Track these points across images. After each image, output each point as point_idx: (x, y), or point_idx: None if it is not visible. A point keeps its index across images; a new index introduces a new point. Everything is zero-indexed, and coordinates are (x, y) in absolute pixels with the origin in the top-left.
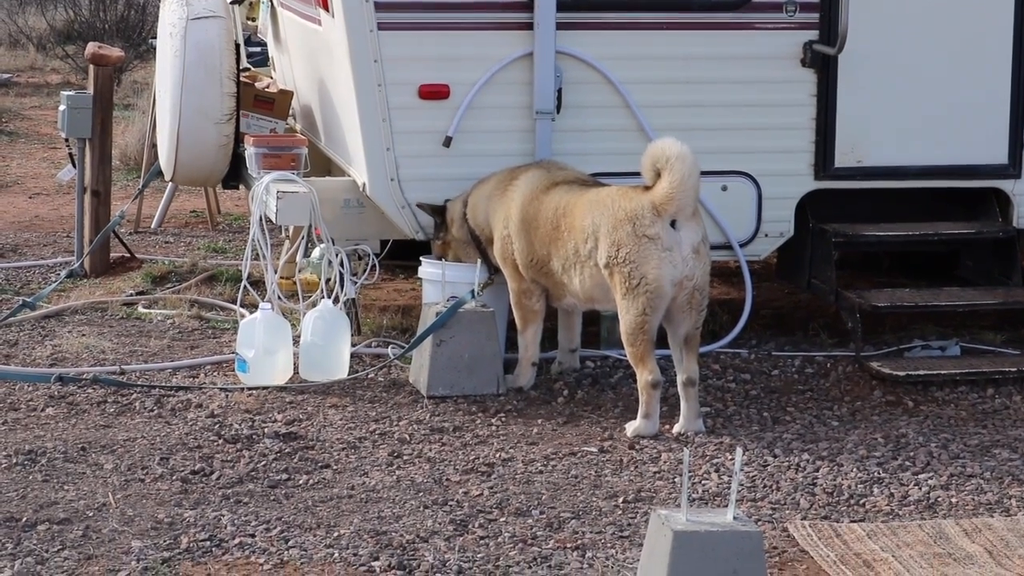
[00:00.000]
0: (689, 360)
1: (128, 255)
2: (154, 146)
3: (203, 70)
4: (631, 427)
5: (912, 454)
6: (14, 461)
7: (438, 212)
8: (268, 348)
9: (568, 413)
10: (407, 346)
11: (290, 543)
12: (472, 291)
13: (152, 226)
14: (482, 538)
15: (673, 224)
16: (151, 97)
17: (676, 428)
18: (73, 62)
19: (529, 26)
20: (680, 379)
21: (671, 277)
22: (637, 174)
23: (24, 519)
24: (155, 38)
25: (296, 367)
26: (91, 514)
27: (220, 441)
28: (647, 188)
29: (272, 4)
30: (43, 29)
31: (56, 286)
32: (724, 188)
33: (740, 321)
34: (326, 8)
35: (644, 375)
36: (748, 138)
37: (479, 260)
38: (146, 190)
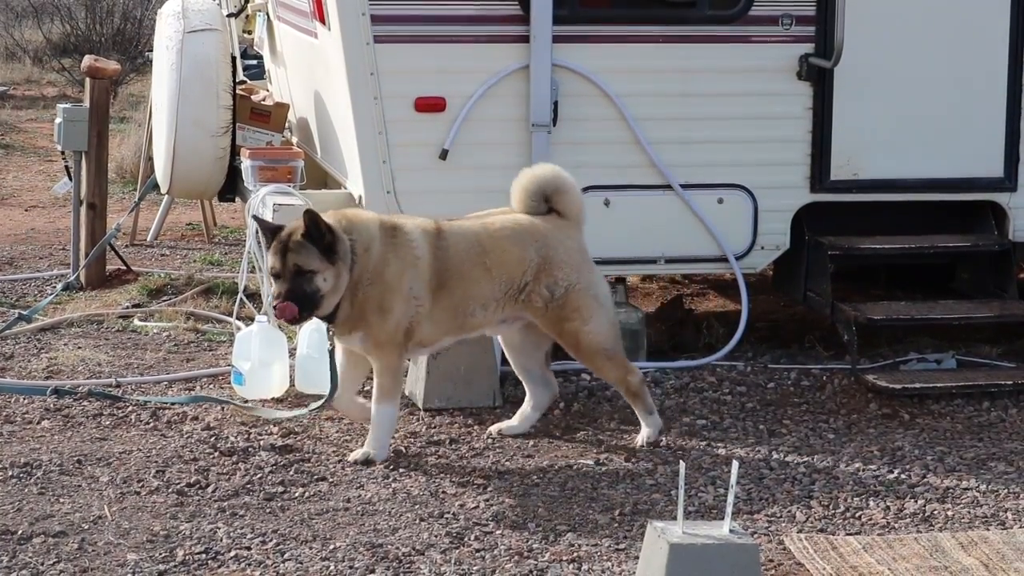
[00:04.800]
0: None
1: (124, 268)
2: (150, 159)
3: (199, 83)
4: (643, 436)
5: (908, 467)
6: (10, 474)
7: (330, 231)
8: (264, 360)
9: (564, 425)
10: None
11: (286, 556)
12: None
13: (148, 239)
14: (478, 551)
15: None
16: (147, 110)
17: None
18: (69, 75)
19: (525, 39)
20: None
21: None
22: (634, 187)
23: (20, 532)
24: (152, 51)
25: (292, 379)
26: (87, 527)
27: (216, 454)
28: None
29: (269, 17)
30: (39, 42)
31: (52, 299)
32: (720, 201)
33: (736, 334)
34: (323, 21)
35: (631, 377)
36: (744, 151)
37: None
38: (142, 203)
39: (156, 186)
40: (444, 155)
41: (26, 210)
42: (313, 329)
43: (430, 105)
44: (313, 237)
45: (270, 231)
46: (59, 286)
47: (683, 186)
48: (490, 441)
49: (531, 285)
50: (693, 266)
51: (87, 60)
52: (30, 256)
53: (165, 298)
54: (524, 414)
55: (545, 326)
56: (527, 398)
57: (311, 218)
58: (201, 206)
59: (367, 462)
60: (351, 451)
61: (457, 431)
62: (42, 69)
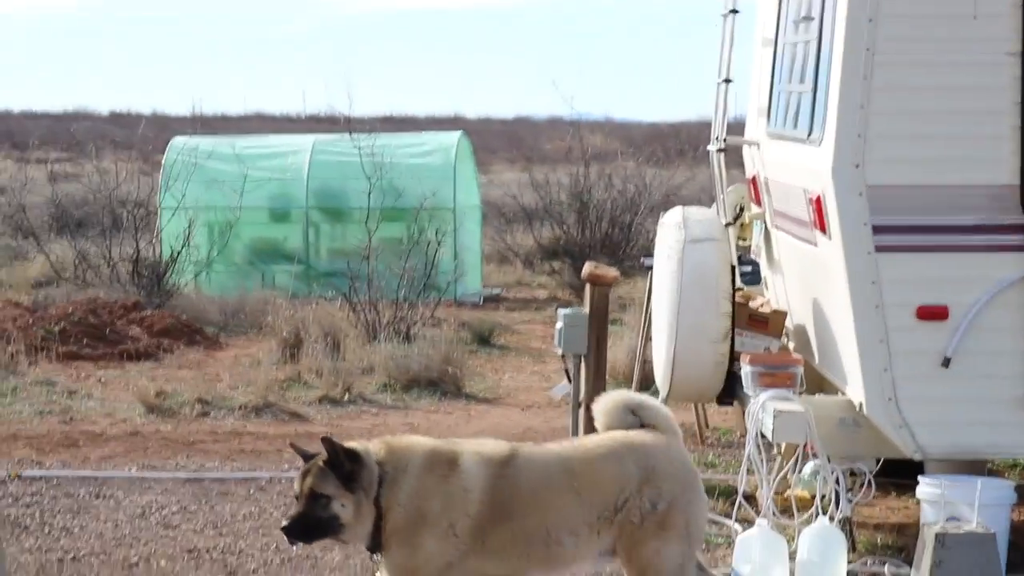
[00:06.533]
0: None
1: None
2: (646, 361)
3: (699, 291)
4: None
5: None
6: None
7: (352, 459)
8: (764, 564)
9: None
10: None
11: None
12: None
13: None
14: None
15: None
16: (642, 313)
17: None
18: (559, 278)
19: None
20: None
21: None
22: None
23: None
24: (649, 257)
25: None
26: None
27: None
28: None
29: (766, 225)
30: (530, 246)
31: None
32: None
33: None
34: (823, 230)
35: None
36: None
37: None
38: None
39: (655, 389)
40: (947, 363)
41: (522, 409)
42: (814, 534)
43: (933, 313)
44: (333, 464)
45: (304, 457)
46: None
47: None
48: None
49: (631, 500)
50: None
51: (588, 267)
52: None
53: None
54: None
55: (626, 545)
56: None
57: (330, 446)
58: (695, 408)
59: None
60: None
61: None
62: (532, 272)
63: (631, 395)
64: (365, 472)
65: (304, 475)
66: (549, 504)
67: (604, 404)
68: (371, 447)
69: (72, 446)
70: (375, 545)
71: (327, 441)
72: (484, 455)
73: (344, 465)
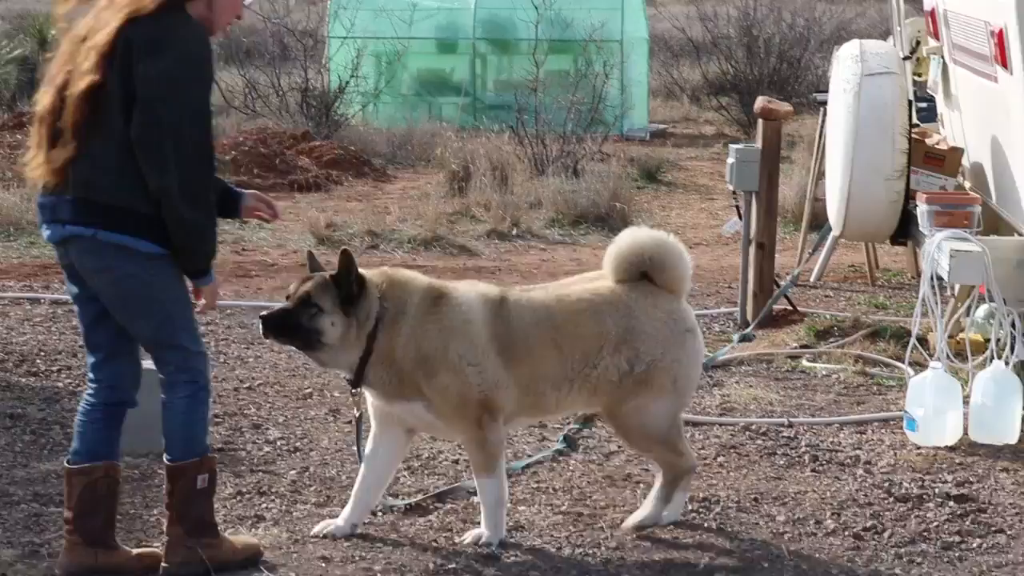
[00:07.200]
0: None
1: (791, 308)
2: (817, 200)
3: (876, 126)
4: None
5: None
6: (689, 508)
7: (360, 284)
8: (938, 408)
9: None
10: None
11: None
12: None
13: (812, 279)
14: None
15: None
16: (815, 150)
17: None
18: (726, 113)
19: None
20: None
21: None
22: None
23: (702, 565)
24: (821, 92)
25: (965, 428)
26: (766, 565)
27: (890, 499)
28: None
29: (944, 60)
30: (696, 81)
31: (727, 351)
32: None
33: None
34: (1005, 65)
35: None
36: None
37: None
38: (805, 243)
39: (827, 228)
40: None
41: (690, 247)
42: (989, 378)
43: None
44: (339, 281)
45: (313, 268)
46: (736, 337)
47: None
48: None
49: (608, 359)
50: None
51: (760, 102)
52: (696, 293)
53: (832, 340)
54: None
55: (607, 402)
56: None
57: (347, 260)
58: (865, 248)
59: (483, 544)
60: None
61: None
62: (699, 107)
63: (648, 240)
64: (366, 302)
65: (304, 280)
66: (536, 353)
67: (619, 250)
68: (375, 279)
69: (245, 276)
70: (357, 380)
71: (346, 254)
72: (480, 292)
73: (351, 286)
